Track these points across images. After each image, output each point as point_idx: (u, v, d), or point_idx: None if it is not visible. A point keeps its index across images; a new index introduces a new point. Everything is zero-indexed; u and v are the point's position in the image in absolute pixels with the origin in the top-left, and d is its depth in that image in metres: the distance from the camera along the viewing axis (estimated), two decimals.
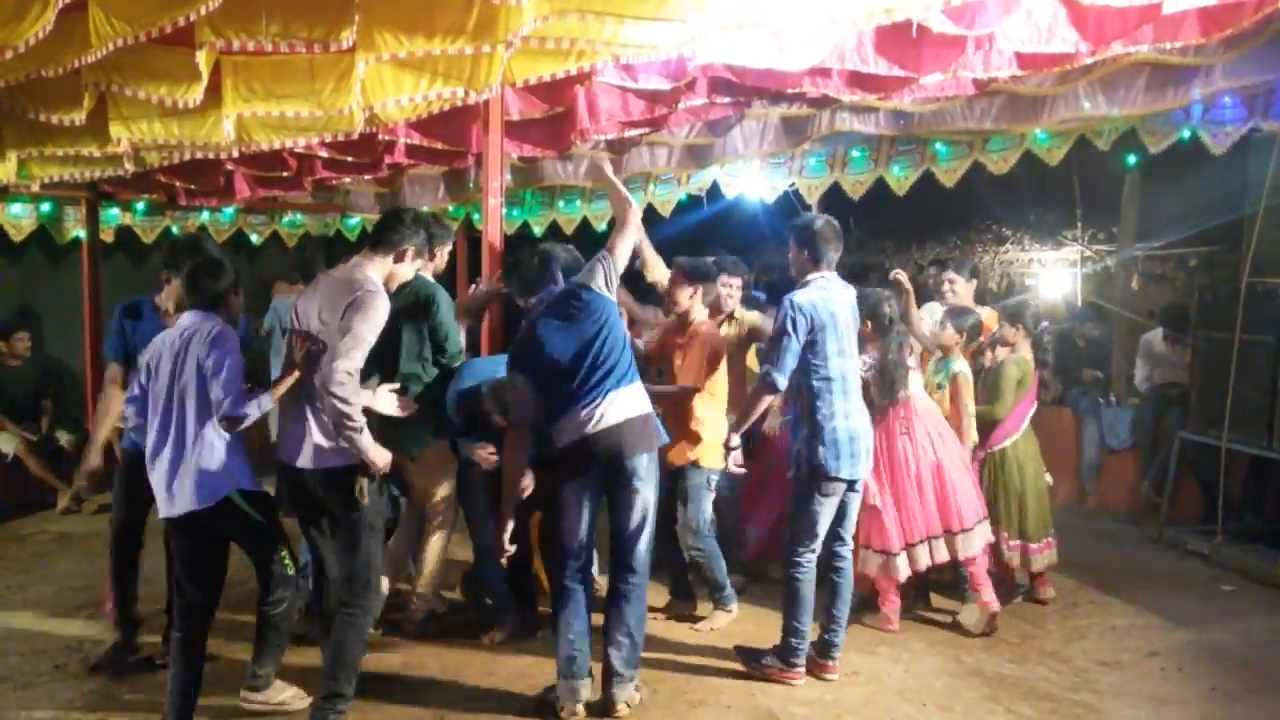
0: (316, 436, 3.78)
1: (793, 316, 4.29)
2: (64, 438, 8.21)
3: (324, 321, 3.81)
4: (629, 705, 4.14)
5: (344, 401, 3.63)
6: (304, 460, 3.79)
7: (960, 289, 5.99)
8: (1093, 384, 8.07)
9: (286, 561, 4.06)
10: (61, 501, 7.73)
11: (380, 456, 3.77)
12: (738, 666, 4.58)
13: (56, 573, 6.13)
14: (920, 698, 4.36)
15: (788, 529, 4.54)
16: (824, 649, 4.51)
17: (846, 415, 4.36)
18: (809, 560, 4.42)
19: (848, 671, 4.61)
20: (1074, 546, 6.76)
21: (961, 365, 5.31)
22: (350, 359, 3.67)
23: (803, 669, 4.44)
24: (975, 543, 5.02)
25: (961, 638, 5.05)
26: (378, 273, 3.94)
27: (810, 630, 4.45)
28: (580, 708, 4.07)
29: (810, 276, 4.44)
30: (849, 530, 4.58)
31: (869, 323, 4.89)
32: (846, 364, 4.39)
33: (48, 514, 7.66)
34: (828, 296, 4.38)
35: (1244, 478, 6.94)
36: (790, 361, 4.30)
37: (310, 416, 3.79)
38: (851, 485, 4.45)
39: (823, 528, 4.43)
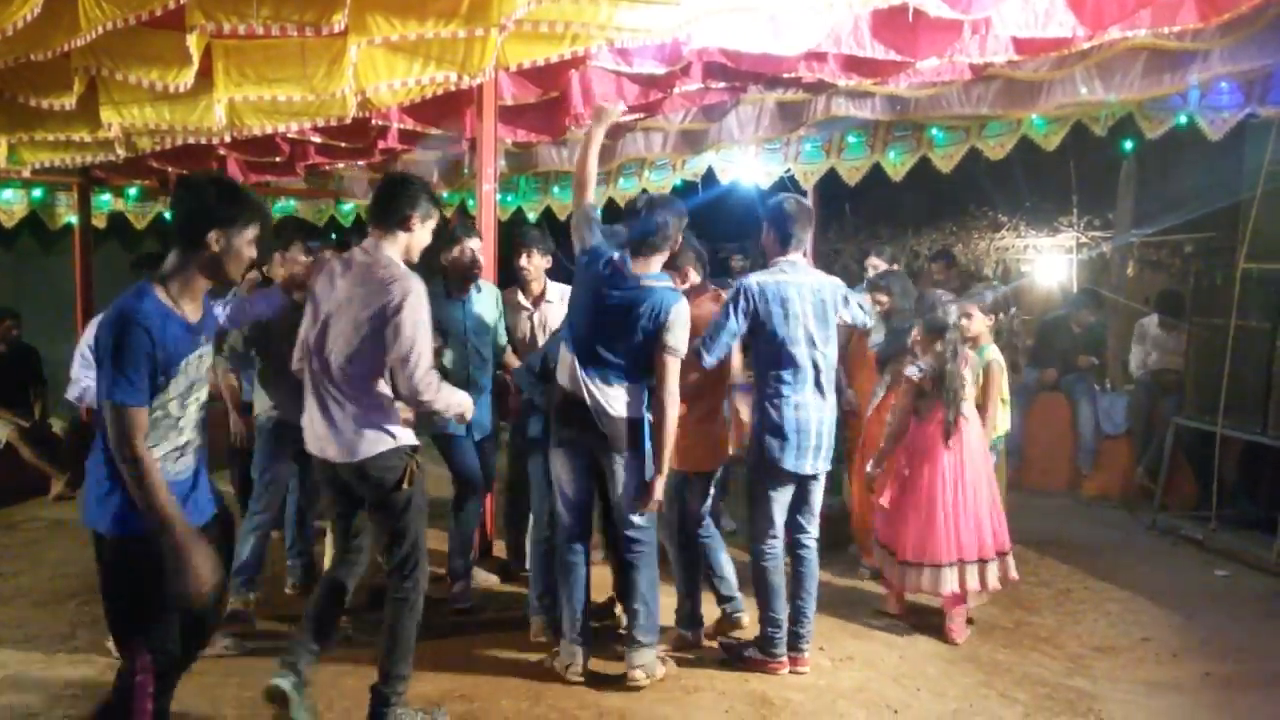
0: (342, 427, 3.65)
1: (735, 298, 4.24)
2: (57, 424, 8.18)
3: (356, 318, 3.61)
4: (647, 674, 4.17)
5: (431, 403, 3.66)
6: (336, 454, 3.67)
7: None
8: (1088, 370, 8.07)
9: None
10: (54, 488, 7.71)
11: (462, 402, 3.80)
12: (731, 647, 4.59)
13: (49, 560, 6.11)
14: (914, 683, 4.36)
15: (749, 522, 4.51)
16: (792, 641, 4.44)
17: (798, 406, 4.23)
18: (773, 548, 4.37)
19: (842, 657, 4.61)
20: (1068, 533, 6.79)
21: (995, 353, 5.18)
22: (424, 362, 3.58)
23: (784, 657, 4.40)
24: (955, 579, 4.75)
25: None
26: (396, 253, 3.71)
27: (785, 619, 4.41)
28: (579, 668, 4.18)
29: (775, 260, 4.35)
30: (811, 519, 4.47)
31: (923, 325, 4.82)
32: (801, 352, 4.23)
33: (41, 501, 7.63)
34: (784, 280, 4.24)
35: (1238, 463, 6.95)
36: (725, 340, 4.22)
37: (332, 408, 3.66)
38: (810, 477, 4.36)
39: (779, 517, 4.37)
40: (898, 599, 5.11)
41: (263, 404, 5.03)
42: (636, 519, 4.19)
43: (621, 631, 4.57)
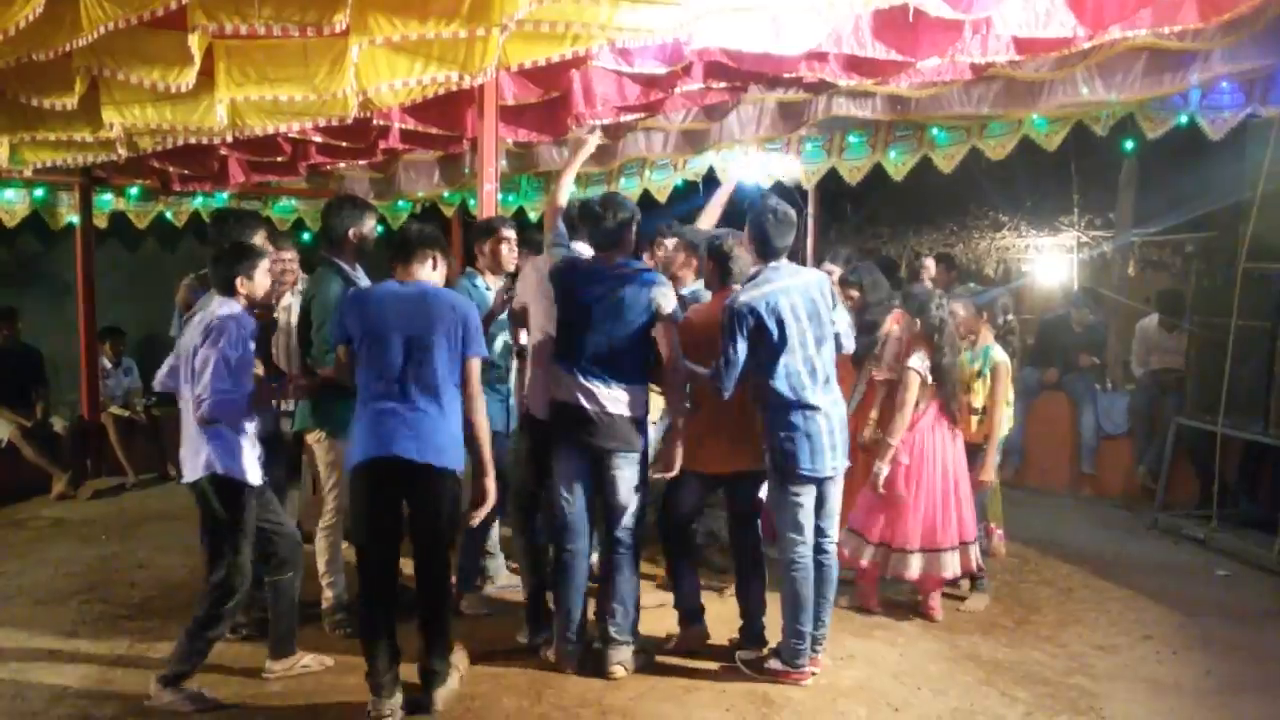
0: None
1: (731, 327, 4.16)
2: (58, 423, 8.20)
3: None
4: (625, 668, 4.34)
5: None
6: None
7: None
8: (1089, 370, 8.07)
9: (236, 570, 4.02)
10: (56, 487, 7.72)
11: None
12: (730, 650, 4.58)
13: (51, 559, 6.12)
14: (915, 681, 4.37)
15: (776, 529, 4.45)
16: (810, 643, 4.41)
17: (808, 409, 4.18)
18: (803, 555, 4.30)
19: (843, 655, 4.62)
20: (1070, 532, 6.80)
21: (1001, 354, 5.28)
22: None
23: (808, 669, 4.33)
24: (953, 563, 5.03)
25: (957, 622, 5.06)
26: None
27: (809, 629, 4.34)
28: (575, 664, 4.34)
29: (755, 269, 4.30)
30: (830, 522, 4.43)
31: (919, 322, 4.90)
32: (797, 357, 4.17)
33: (43, 499, 7.64)
34: (772, 290, 4.17)
35: (1239, 463, 6.95)
36: (735, 372, 4.16)
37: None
38: (828, 479, 4.33)
39: (806, 520, 4.31)
40: (874, 593, 5.19)
41: None
42: (626, 521, 4.33)
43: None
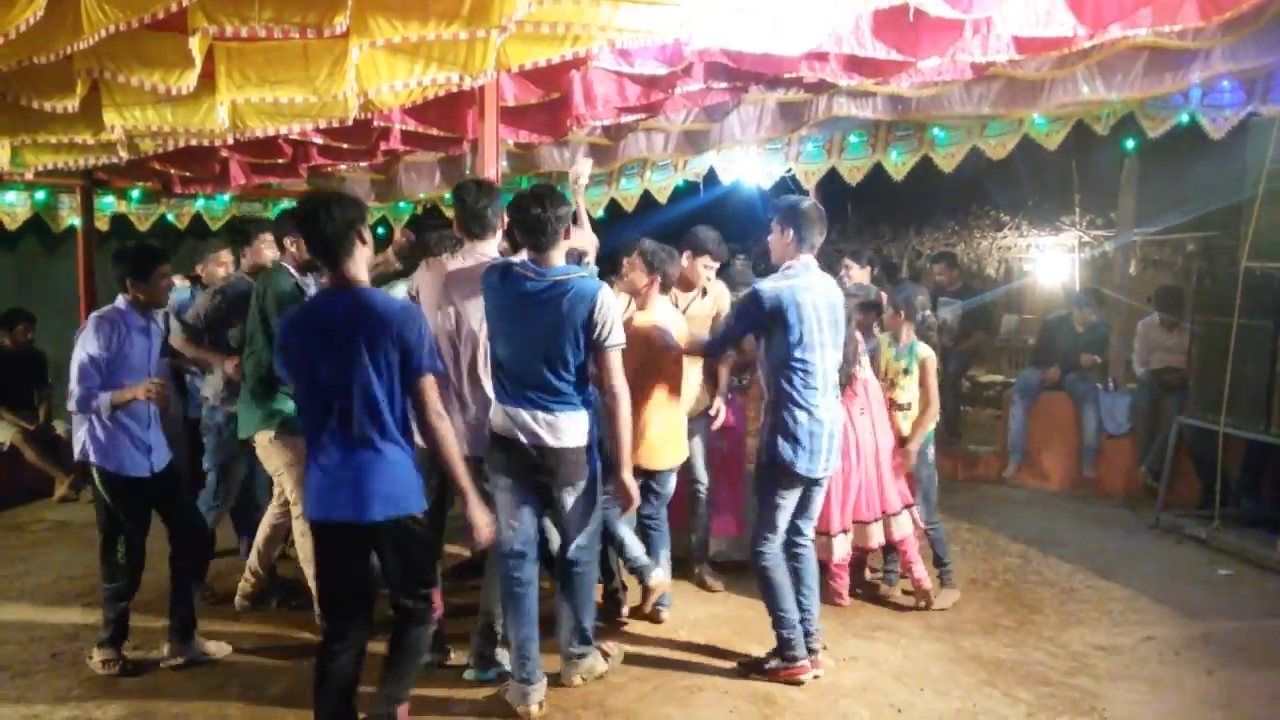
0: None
1: (747, 307, 4.23)
2: (61, 427, 8.20)
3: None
4: (584, 678, 4.26)
5: None
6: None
7: (855, 274, 6.27)
8: (1091, 369, 8.07)
9: (120, 550, 4.48)
10: (59, 490, 7.72)
11: None
12: (732, 649, 4.60)
13: (54, 561, 6.12)
14: (918, 682, 4.37)
15: (752, 521, 4.45)
16: (802, 635, 4.42)
17: (813, 411, 4.17)
18: (772, 550, 4.31)
19: (845, 656, 4.62)
20: (1071, 532, 6.79)
21: (927, 350, 5.33)
22: None
23: (806, 661, 4.34)
24: (905, 526, 5.21)
25: (959, 623, 5.06)
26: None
27: (797, 619, 4.35)
28: (534, 708, 3.98)
29: (789, 263, 4.27)
30: (809, 522, 4.44)
31: None
32: (815, 356, 4.16)
33: (45, 503, 7.64)
34: (798, 285, 4.16)
35: (1241, 462, 6.94)
36: (724, 345, 4.64)
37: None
38: (816, 481, 4.32)
39: (783, 520, 4.31)
40: (840, 585, 5.25)
41: (214, 395, 5.15)
42: (580, 541, 4.08)
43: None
